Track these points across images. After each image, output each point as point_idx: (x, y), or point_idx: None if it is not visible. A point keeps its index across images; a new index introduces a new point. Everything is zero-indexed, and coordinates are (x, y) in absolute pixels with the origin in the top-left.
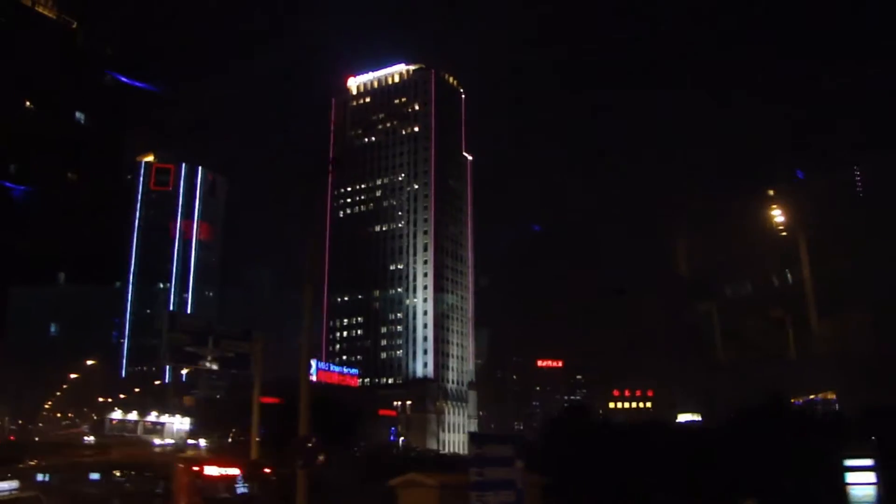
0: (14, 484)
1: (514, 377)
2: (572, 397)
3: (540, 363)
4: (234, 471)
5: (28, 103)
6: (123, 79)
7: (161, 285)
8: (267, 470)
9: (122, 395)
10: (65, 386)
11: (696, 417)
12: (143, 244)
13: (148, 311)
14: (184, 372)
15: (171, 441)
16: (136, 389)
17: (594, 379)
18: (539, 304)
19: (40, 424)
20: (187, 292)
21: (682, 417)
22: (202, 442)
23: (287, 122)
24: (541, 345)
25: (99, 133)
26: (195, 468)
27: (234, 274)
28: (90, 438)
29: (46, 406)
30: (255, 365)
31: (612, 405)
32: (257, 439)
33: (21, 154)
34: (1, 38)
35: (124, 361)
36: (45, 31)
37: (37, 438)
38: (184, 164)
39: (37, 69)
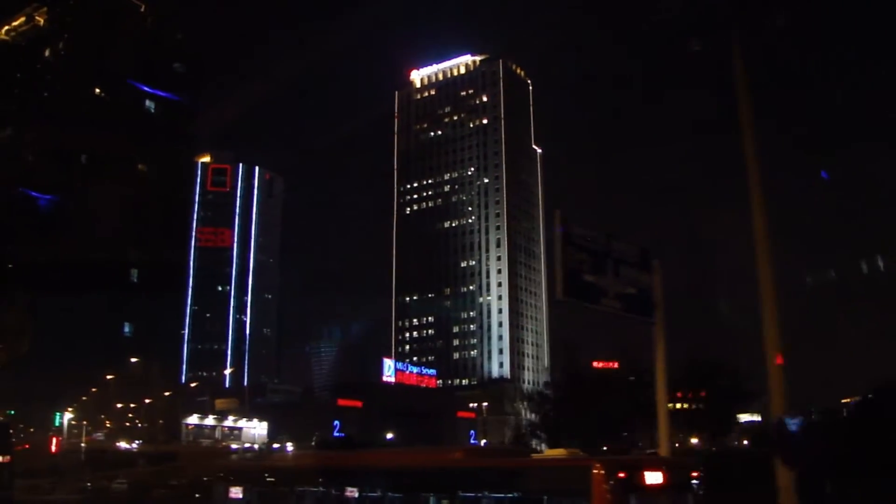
0: None
1: (572, 379)
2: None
3: (595, 364)
4: (658, 476)
5: (98, 90)
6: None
7: (220, 288)
8: (696, 474)
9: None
10: (148, 400)
11: (756, 417)
12: (200, 246)
13: (207, 315)
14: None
15: (253, 446)
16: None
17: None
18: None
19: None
20: (246, 295)
21: (744, 417)
22: (289, 446)
23: (347, 120)
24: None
25: (169, 123)
26: (622, 475)
27: (293, 276)
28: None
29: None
30: (656, 309)
31: (670, 405)
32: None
33: (92, 143)
34: (74, 18)
35: (184, 367)
36: (116, 12)
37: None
38: (241, 165)
39: (109, 54)
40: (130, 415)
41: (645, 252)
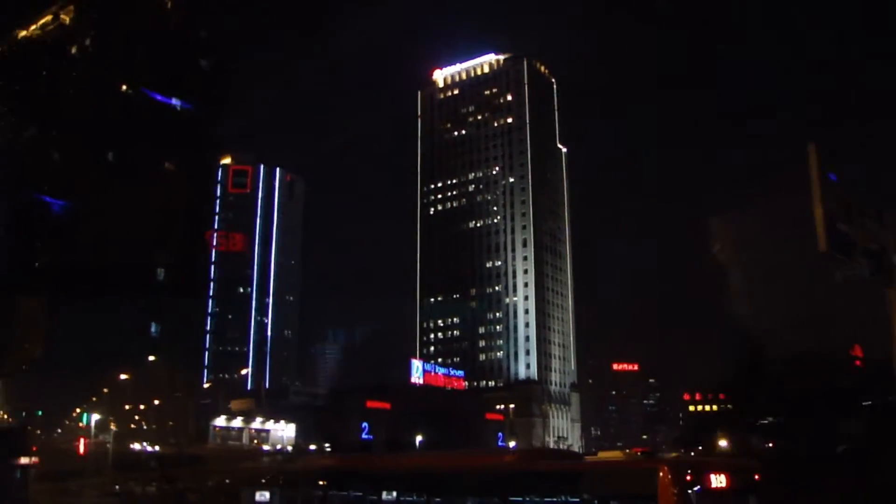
0: None
1: (590, 381)
2: (647, 402)
3: (616, 367)
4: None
5: (125, 87)
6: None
7: (241, 290)
8: (758, 477)
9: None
10: (157, 402)
11: (779, 419)
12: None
13: (229, 316)
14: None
15: (286, 448)
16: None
17: (668, 383)
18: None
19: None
20: (268, 297)
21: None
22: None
23: (370, 121)
24: (616, 348)
25: (194, 122)
26: (689, 477)
27: (315, 278)
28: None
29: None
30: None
31: (691, 409)
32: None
33: (118, 140)
34: (101, 15)
35: (205, 370)
36: (142, 8)
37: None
38: (262, 166)
39: (134, 47)
40: (137, 416)
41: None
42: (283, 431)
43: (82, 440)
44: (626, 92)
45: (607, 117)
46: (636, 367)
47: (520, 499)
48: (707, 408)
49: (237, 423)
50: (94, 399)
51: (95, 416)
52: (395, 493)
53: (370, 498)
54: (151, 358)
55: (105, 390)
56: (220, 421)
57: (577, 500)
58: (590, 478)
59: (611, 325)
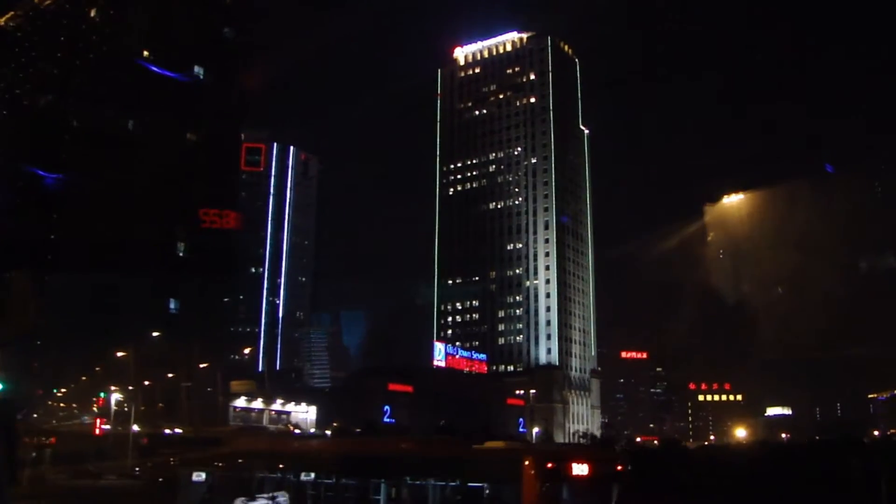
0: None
1: (599, 369)
2: (654, 390)
3: (624, 355)
4: (584, 468)
5: (146, 52)
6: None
7: (253, 270)
8: (619, 467)
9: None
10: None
11: (787, 411)
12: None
13: (240, 297)
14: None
15: (305, 431)
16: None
17: (677, 373)
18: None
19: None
20: (280, 277)
21: (772, 411)
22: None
23: (387, 99)
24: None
25: (218, 91)
26: (550, 465)
27: (328, 260)
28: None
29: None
30: None
31: (700, 398)
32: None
33: (138, 108)
34: None
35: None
36: None
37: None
38: (275, 144)
39: (158, 14)
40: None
41: None
42: (307, 414)
43: (98, 420)
44: (648, 76)
45: (629, 102)
46: (645, 356)
47: (417, 482)
48: (720, 398)
49: (258, 404)
50: (83, 378)
51: (115, 396)
52: (312, 475)
53: (288, 477)
54: (156, 334)
55: (97, 368)
56: (241, 402)
57: (458, 483)
58: (471, 464)
59: (620, 313)
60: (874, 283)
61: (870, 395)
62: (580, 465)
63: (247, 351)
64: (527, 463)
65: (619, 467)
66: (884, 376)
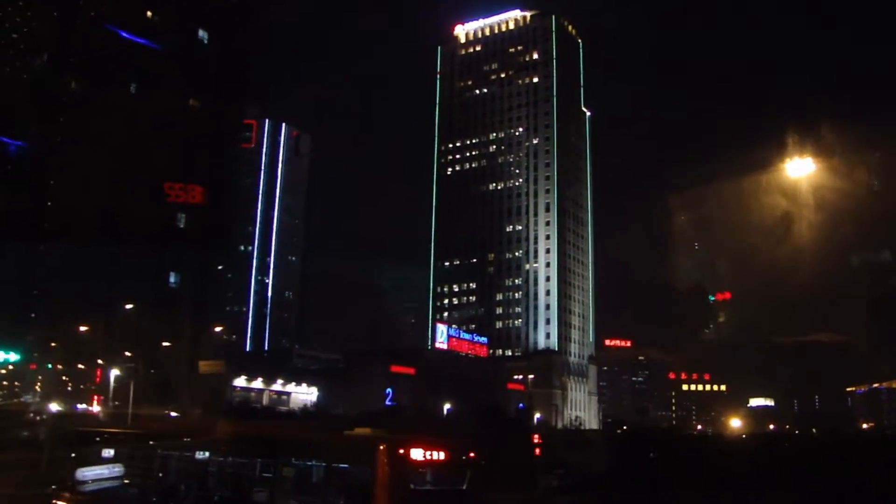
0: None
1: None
2: (636, 378)
3: (608, 342)
4: (440, 455)
5: (150, 13)
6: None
7: (241, 248)
8: (472, 454)
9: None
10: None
11: (769, 402)
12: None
13: (229, 276)
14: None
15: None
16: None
17: (659, 361)
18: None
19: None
20: (269, 256)
21: (755, 402)
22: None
23: (385, 77)
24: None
25: (223, 56)
26: (401, 451)
27: (320, 239)
28: None
29: None
30: None
31: (685, 388)
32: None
33: (140, 72)
34: None
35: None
36: None
37: None
38: (267, 121)
39: None
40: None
41: None
42: (308, 395)
43: (95, 398)
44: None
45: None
46: (629, 344)
47: (294, 462)
48: (703, 388)
49: (257, 384)
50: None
51: (115, 372)
52: (206, 454)
53: (186, 454)
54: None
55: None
56: (241, 381)
57: (322, 464)
58: (331, 447)
59: (604, 301)
60: (852, 276)
61: (848, 389)
62: (435, 451)
63: (219, 329)
64: (381, 448)
65: (472, 454)
66: (861, 369)
